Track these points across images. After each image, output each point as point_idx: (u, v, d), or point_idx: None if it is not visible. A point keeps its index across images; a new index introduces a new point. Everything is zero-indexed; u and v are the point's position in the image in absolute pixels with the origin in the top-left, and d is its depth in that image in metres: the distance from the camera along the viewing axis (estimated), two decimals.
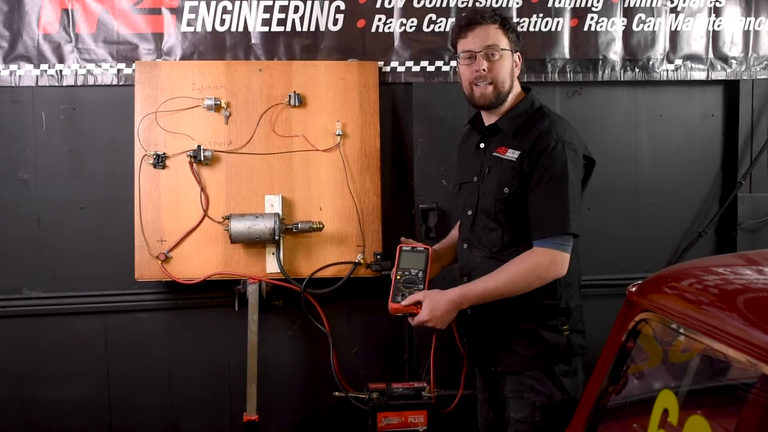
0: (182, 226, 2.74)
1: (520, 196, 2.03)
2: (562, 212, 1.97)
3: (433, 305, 2.01)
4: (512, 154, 2.05)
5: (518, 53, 2.14)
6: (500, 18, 2.09)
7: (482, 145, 2.17)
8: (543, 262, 1.97)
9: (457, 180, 2.29)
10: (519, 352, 2.08)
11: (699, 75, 3.11)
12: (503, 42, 2.08)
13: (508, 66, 2.09)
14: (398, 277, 2.12)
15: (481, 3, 2.92)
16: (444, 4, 2.90)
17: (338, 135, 2.81)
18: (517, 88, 2.15)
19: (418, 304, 2.04)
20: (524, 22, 2.95)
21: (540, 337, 2.06)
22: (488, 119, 2.17)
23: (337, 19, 2.86)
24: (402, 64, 2.92)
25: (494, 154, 2.10)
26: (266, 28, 2.84)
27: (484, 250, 2.12)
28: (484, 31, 2.07)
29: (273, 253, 2.73)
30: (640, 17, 3.03)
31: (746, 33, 3.12)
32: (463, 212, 2.22)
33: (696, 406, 1.42)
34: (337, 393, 2.76)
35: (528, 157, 2.02)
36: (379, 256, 2.80)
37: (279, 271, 2.72)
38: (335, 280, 2.78)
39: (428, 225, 2.90)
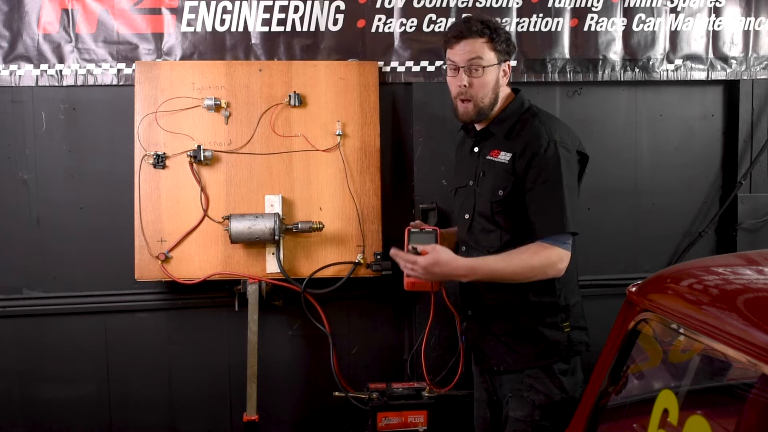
0: (182, 226, 2.74)
1: (514, 197, 2.04)
2: (559, 213, 1.99)
3: (439, 258, 1.96)
4: (504, 157, 2.07)
5: (507, 63, 2.13)
6: (489, 31, 2.07)
7: (476, 149, 2.19)
8: (552, 259, 1.99)
9: (454, 185, 2.31)
10: (520, 351, 2.09)
11: (699, 75, 3.10)
12: (488, 56, 2.07)
13: (491, 81, 2.09)
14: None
15: (481, 3, 2.92)
16: (444, 4, 2.90)
17: (338, 135, 2.81)
18: (504, 92, 2.16)
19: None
20: (524, 22, 2.95)
21: (540, 335, 2.07)
22: (479, 124, 2.19)
23: (337, 19, 2.86)
24: (402, 64, 2.92)
25: (488, 157, 2.12)
26: (266, 28, 2.84)
27: (482, 251, 2.12)
28: (469, 45, 2.06)
29: (273, 253, 2.73)
30: (640, 17, 3.03)
31: (746, 33, 3.12)
32: (459, 216, 2.24)
33: (696, 406, 1.42)
34: (337, 393, 2.77)
35: (520, 158, 2.03)
36: (379, 256, 2.79)
37: (279, 271, 2.72)
38: (335, 280, 2.78)
39: None
